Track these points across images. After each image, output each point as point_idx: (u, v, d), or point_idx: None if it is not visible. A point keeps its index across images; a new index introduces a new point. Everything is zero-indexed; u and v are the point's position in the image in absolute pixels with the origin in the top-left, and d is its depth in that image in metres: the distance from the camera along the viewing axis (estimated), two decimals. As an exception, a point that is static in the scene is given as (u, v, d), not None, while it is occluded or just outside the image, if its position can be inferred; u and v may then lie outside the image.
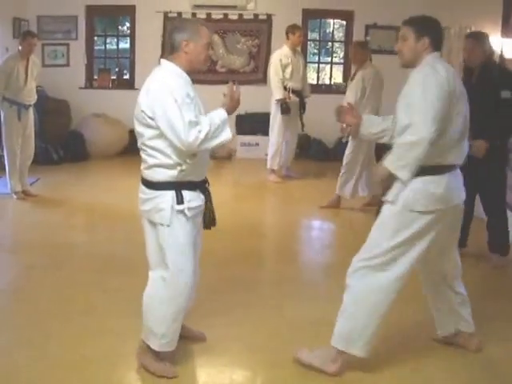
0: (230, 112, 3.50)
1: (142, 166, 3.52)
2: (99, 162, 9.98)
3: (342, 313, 3.60)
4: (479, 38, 5.43)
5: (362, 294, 3.54)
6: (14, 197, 7.53)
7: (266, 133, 9.46)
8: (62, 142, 9.94)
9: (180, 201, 3.42)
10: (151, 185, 3.47)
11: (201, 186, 3.56)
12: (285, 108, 8.56)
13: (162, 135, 3.34)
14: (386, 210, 3.54)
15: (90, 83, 11.09)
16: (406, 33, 3.54)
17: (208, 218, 3.64)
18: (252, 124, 10.58)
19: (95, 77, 11.24)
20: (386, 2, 10.29)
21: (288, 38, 8.82)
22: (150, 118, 3.34)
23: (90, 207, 7.47)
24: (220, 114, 3.44)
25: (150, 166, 3.45)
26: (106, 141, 10.11)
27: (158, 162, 3.41)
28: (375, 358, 3.69)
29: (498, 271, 5.51)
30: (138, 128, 3.44)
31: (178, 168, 3.39)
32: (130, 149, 10.13)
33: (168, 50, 3.54)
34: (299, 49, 9.25)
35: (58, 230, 6.48)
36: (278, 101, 8.61)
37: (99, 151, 10.15)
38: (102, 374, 3.61)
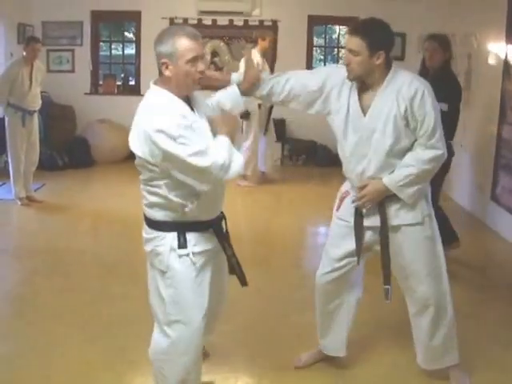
0: (227, 132, 2.94)
1: (143, 202, 3.05)
2: (104, 167, 9.98)
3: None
4: (442, 41, 5.43)
5: None
6: (19, 203, 7.53)
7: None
8: (66, 148, 9.94)
9: (183, 244, 2.94)
10: (152, 224, 3.01)
11: (214, 225, 3.05)
12: (244, 113, 8.48)
13: (161, 174, 2.85)
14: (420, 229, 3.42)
15: (95, 89, 11.10)
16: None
17: (237, 271, 3.15)
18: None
19: (100, 82, 11.24)
20: (391, 8, 10.24)
21: (258, 43, 8.83)
22: (148, 163, 2.86)
23: (95, 213, 7.46)
24: (224, 140, 2.89)
25: (150, 204, 2.98)
26: (111, 146, 10.09)
27: (158, 200, 2.93)
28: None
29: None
30: (137, 167, 3.00)
31: (181, 209, 2.90)
32: (135, 155, 10.15)
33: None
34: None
35: (62, 235, 6.48)
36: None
37: (104, 157, 10.15)
38: (107, 380, 3.61)
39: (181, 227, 2.95)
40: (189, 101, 2.94)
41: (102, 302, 4.70)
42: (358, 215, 3.43)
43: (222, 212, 3.14)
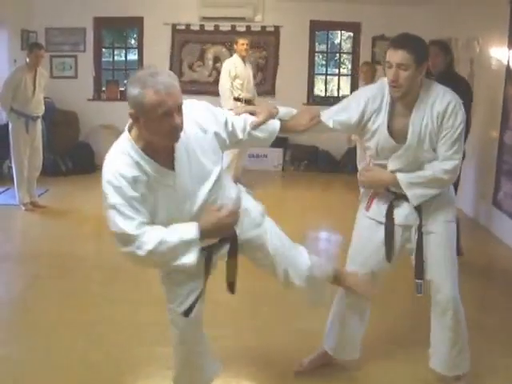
0: (208, 229, 2.66)
1: None
2: (107, 173, 9.94)
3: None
4: (442, 46, 5.76)
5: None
6: (22, 208, 7.55)
7: (274, 144, 9.39)
8: (70, 154, 9.97)
9: (171, 301, 2.98)
10: None
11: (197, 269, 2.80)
12: None
13: None
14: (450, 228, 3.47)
15: (98, 95, 11.15)
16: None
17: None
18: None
19: (103, 88, 11.30)
20: (393, 14, 10.31)
21: (235, 47, 8.93)
22: None
23: (98, 218, 7.40)
24: (185, 232, 2.63)
25: None
26: (114, 152, 10.08)
27: None
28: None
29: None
30: None
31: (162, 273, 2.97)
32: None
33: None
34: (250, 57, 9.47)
35: (65, 240, 6.49)
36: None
37: (107, 162, 10.11)
38: (109, 382, 3.63)
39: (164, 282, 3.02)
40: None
41: (104, 306, 4.71)
42: (389, 215, 3.45)
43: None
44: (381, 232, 3.47)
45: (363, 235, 3.61)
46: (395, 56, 3.12)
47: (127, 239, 2.61)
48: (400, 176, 3.32)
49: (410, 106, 3.25)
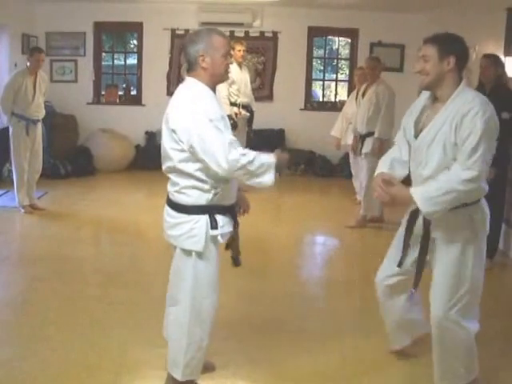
0: (280, 163, 3.30)
1: (172, 189, 3.31)
2: (106, 176, 10.03)
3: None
4: (492, 59, 6.09)
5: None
6: (22, 210, 7.60)
7: (272, 149, 9.44)
8: (69, 157, 10.03)
9: (214, 226, 3.26)
10: (182, 208, 3.27)
11: (231, 211, 3.38)
12: (232, 124, 8.52)
13: (195, 158, 3.16)
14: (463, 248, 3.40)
15: (97, 99, 11.19)
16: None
17: (235, 251, 3.51)
18: (259, 140, 10.60)
19: (103, 92, 11.34)
20: (390, 20, 10.38)
21: (231, 53, 8.94)
22: (181, 141, 3.14)
23: (97, 221, 7.52)
24: (268, 157, 3.26)
25: (182, 189, 3.25)
26: (113, 156, 10.20)
27: (191, 184, 3.22)
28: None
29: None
30: (169, 151, 3.22)
31: (213, 192, 3.21)
32: (136, 164, 10.24)
33: (187, 66, 3.34)
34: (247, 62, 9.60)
35: (64, 243, 6.53)
36: None
37: (106, 166, 10.22)
38: (107, 383, 3.67)
39: (211, 210, 3.25)
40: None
41: (102, 308, 4.74)
42: (410, 224, 3.52)
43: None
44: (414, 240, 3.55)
45: (395, 240, 3.73)
46: (421, 50, 3.35)
47: (231, 146, 3.11)
48: (412, 190, 3.28)
49: (442, 104, 3.32)
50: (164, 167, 3.33)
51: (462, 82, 3.33)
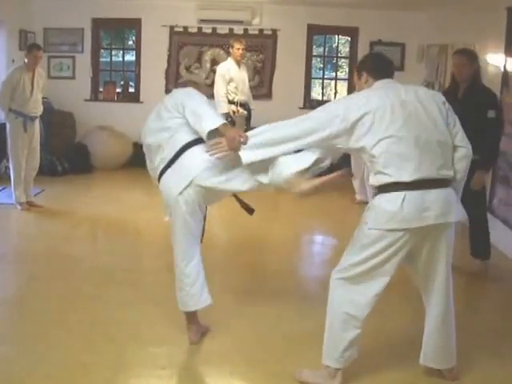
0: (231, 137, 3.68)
1: None
2: (103, 174, 10.02)
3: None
4: (469, 55, 5.62)
5: (335, 304, 3.57)
6: (19, 207, 7.57)
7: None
8: (66, 154, 9.99)
9: None
10: None
11: None
12: (230, 122, 8.55)
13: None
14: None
15: (95, 96, 11.15)
16: None
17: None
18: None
19: (100, 89, 11.30)
20: (390, 18, 10.36)
21: (230, 51, 9.04)
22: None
23: (94, 219, 7.49)
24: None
25: None
26: (111, 153, 10.17)
27: None
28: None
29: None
30: None
31: None
32: (134, 161, 10.18)
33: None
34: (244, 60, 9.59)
35: (61, 241, 6.50)
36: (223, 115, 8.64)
37: (103, 163, 10.21)
38: (103, 382, 3.63)
39: None
40: None
41: (99, 307, 4.71)
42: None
43: None
44: None
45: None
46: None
47: None
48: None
49: None
50: None
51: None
